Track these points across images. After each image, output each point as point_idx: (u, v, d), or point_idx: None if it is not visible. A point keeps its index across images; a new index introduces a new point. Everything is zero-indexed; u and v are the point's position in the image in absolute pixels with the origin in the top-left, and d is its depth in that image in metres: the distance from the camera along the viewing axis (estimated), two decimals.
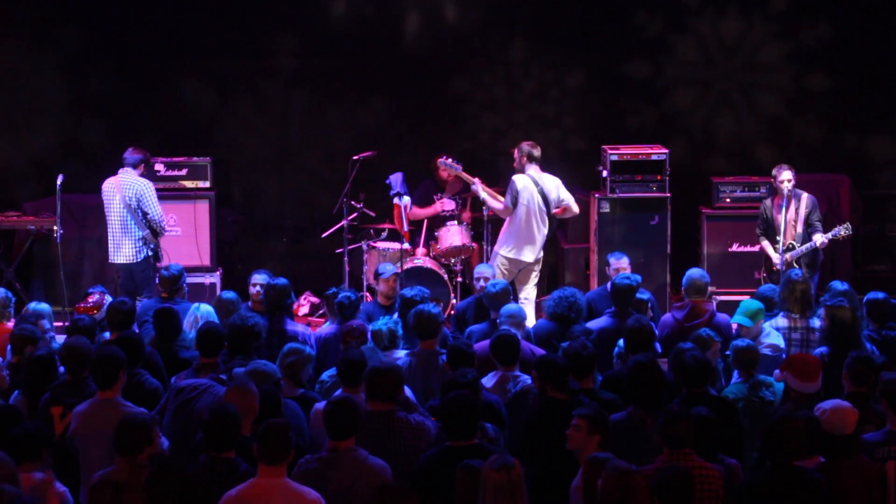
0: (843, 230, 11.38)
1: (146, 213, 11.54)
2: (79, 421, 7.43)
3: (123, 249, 11.59)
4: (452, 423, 6.86)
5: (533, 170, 11.70)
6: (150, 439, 6.68)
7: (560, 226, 13.22)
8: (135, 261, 11.58)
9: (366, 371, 7.41)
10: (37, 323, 9.26)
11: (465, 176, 12.30)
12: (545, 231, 11.70)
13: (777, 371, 8.09)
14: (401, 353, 8.92)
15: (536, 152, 11.73)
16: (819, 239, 11.39)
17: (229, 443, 6.63)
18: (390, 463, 6.82)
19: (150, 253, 11.59)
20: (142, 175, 11.69)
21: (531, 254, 11.68)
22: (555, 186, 11.73)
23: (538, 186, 11.63)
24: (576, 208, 11.85)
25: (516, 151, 11.80)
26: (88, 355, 7.88)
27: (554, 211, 11.72)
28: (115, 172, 11.68)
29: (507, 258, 11.65)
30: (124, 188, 11.52)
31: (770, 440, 6.50)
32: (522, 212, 11.63)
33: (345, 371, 7.72)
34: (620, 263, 10.86)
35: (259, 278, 10.52)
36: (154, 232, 11.60)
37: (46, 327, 9.46)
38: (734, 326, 9.68)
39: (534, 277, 11.76)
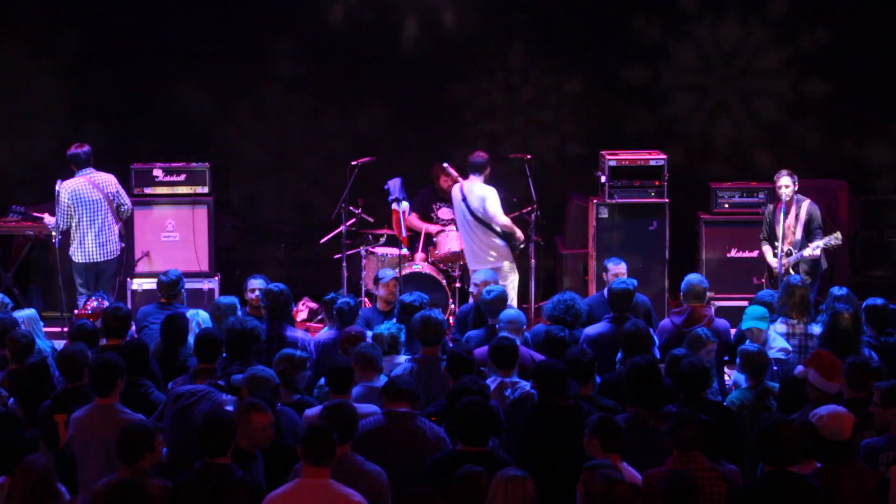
0: (832, 240, 11.34)
1: (123, 205, 12.02)
2: (76, 427, 7.43)
3: (108, 246, 11.92)
4: (465, 428, 6.89)
5: (470, 179, 11.84)
6: (151, 446, 6.69)
7: (557, 232, 13.27)
8: (116, 255, 12.02)
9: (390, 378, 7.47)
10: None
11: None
12: (479, 241, 11.77)
13: (800, 367, 8.00)
14: (402, 359, 8.92)
15: (471, 160, 11.88)
16: (808, 251, 11.36)
17: (223, 449, 6.62)
18: (404, 465, 6.87)
19: (123, 244, 12.17)
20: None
21: (474, 262, 11.83)
22: (477, 197, 11.78)
23: (462, 195, 11.78)
24: (501, 220, 11.70)
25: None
26: (85, 362, 7.88)
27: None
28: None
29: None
30: (103, 186, 11.90)
31: (766, 445, 6.49)
32: (457, 221, 12.01)
33: (332, 378, 7.76)
34: (619, 269, 10.84)
35: (257, 283, 10.52)
36: (124, 223, 12.20)
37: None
38: (732, 331, 9.68)
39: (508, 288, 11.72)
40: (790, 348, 9.38)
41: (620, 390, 7.93)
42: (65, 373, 7.93)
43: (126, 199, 12.06)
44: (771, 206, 11.80)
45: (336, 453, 6.48)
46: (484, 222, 11.75)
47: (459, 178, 12.22)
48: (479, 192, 11.78)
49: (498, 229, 11.75)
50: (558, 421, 7.36)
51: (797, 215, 11.51)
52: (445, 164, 12.54)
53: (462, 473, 6.28)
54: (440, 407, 7.82)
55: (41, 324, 9.96)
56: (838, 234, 11.38)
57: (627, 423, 7.37)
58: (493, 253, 11.77)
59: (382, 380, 8.14)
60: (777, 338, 9.43)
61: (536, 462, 7.20)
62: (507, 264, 11.81)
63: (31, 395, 7.96)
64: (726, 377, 9.38)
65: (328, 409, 6.86)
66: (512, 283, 11.83)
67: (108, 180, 11.97)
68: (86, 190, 11.84)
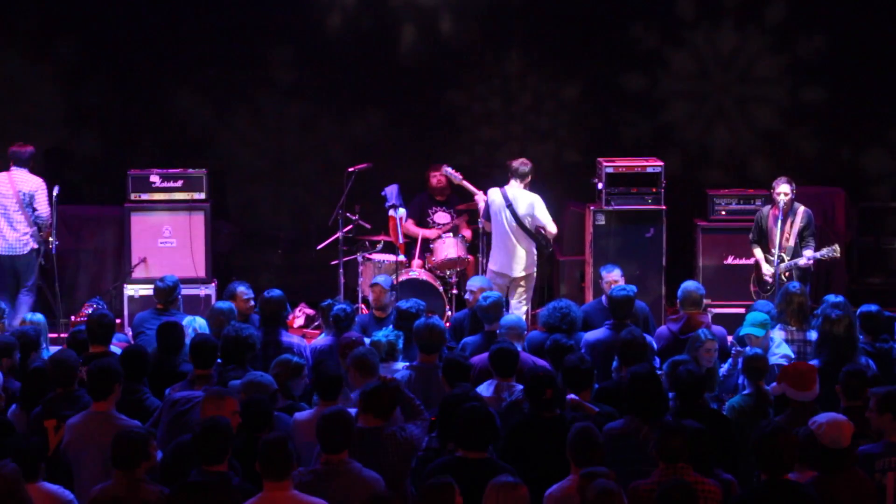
0: (830, 252, 11.34)
1: (36, 210, 12.04)
2: (72, 433, 7.42)
3: (10, 242, 12.02)
4: (466, 434, 6.87)
5: (511, 185, 11.75)
6: (147, 453, 6.67)
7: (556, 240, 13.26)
8: (22, 252, 12.03)
9: (364, 388, 7.42)
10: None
11: (469, 186, 12.36)
12: (520, 247, 11.70)
13: (774, 384, 8.08)
14: (399, 366, 8.92)
15: (517, 167, 11.79)
16: (803, 260, 11.37)
17: (220, 456, 6.61)
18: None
19: (35, 246, 12.02)
20: (31, 171, 12.16)
21: (508, 268, 11.73)
22: (526, 204, 11.71)
23: (507, 201, 11.65)
24: (552, 229, 11.77)
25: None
26: (75, 368, 7.88)
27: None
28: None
29: (492, 271, 11.79)
30: (19, 184, 12.00)
31: (762, 453, 6.48)
32: (494, 225, 11.77)
33: (322, 385, 7.76)
34: (613, 276, 10.84)
35: (243, 289, 10.45)
36: (40, 228, 12.08)
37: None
38: (729, 338, 9.68)
39: (520, 293, 11.72)
40: (793, 355, 9.39)
41: (617, 398, 7.92)
42: (55, 378, 7.91)
43: (43, 209, 12.03)
44: (766, 209, 11.76)
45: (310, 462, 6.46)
46: (527, 229, 11.70)
47: (463, 181, 12.24)
48: (527, 199, 11.73)
49: (540, 237, 11.74)
50: (544, 428, 7.35)
51: (792, 222, 11.51)
52: (446, 169, 12.53)
53: (429, 485, 6.26)
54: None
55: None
56: (836, 247, 11.38)
57: (620, 431, 7.37)
58: (535, 261, 11.78)
59: None
60: (782, 344, 9.45)
61: (520, 468, 7.18)
62: (535, 272, 11.88)
63: (35, 401, 7.94)
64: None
65: (327, 416, 6.85)
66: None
67: (29, 181, 12.05)
68: (2, 184, 12.02)
